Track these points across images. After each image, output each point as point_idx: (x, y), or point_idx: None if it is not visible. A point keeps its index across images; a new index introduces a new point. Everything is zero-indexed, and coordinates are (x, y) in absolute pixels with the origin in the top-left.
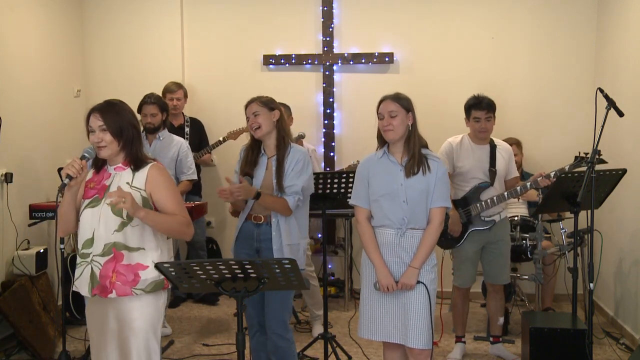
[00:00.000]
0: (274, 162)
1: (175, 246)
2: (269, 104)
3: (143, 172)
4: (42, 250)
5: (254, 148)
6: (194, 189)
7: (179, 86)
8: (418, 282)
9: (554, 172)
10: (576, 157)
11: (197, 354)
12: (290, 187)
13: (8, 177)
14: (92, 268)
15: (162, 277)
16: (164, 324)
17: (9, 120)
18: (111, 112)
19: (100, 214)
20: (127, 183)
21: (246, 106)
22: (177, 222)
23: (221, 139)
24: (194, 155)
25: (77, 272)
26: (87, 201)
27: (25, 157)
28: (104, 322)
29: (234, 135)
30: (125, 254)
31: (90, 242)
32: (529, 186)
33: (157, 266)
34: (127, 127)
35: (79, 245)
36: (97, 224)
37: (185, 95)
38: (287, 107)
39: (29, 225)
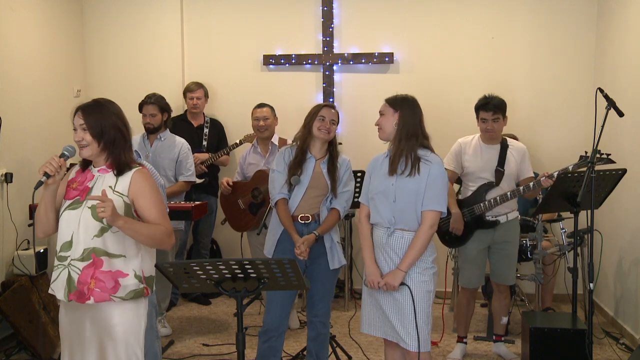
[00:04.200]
0: (322, 164)
1: (182, 243)
2: (339, 117)
3: (126, 177)
4: (42, 250)
5: (304, 149)
6: (210, 190)
7: (199, 85)
8: (403, 284)
9: (557, 172)
10: (581, 157)
11: (197, 354)
12: (345, 193)
13: (8, 177)
14: (69, 272)
15: (142, 285)
16: (164, 324)
17: (9, 120)
18: (94, 112)
19: (80, 217)
20: (110, 187)
21: (322, 107)
22: (158, 232)
23: (238, 141)
24: (211, 155)
25: (54, 275)
26: (68, 202)
27: (25, 157)
28: (81, 328)
29: (250, 138)
30: (105, 260)
31: (68, 245)
32: (532, 186)
33: (158, 266)
34: (109, 129)
35: (57, 248)
36: (77, 227)
37: (206, 95)
38: (272, 108)
39: (29, 225)
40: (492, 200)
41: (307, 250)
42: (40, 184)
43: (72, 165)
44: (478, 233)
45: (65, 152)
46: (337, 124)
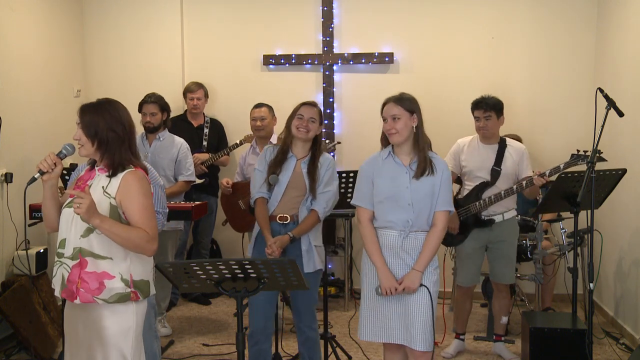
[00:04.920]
0: (303, 164)
1: (182, 243)
2: (321, 117)
3: (117, 179)
4: (42, 250)
5: (285, 149)
6: (210, 190)
7: (200, 86)
8: (421, 285)
9: (548, 171)
10: (572, 155)
11: (197, 354)
12: (325, 193)
13: (8, 177)
14: (63, 270)
15: (129, 290)
16: (164, 323)
17: (9, 120)
18: (90, 112)
19: (73, 216)
20: (102, 187)
21: (301, 105)
22: (136, 236)
23: (238, 142)
24: (212, 156)
25: (54, 271)
26: (69, 199)
27: (25, 157)
28: (75, 327)
29: (250, 138)
30: (91, 261)
31: (64, 242)
32: (524, 185)
33: (158, 266)
34: (103, 129)
35: (57, 244)
36: (70, 226)
37: (206, 95)
38: (270, 108)
39: (29, 225)
40: (486, 199)
41: (278, 250)
42: (32, 180)
43: (71, 164)
44: (474, 232)
45: (63, 151)
46: (320, 122)
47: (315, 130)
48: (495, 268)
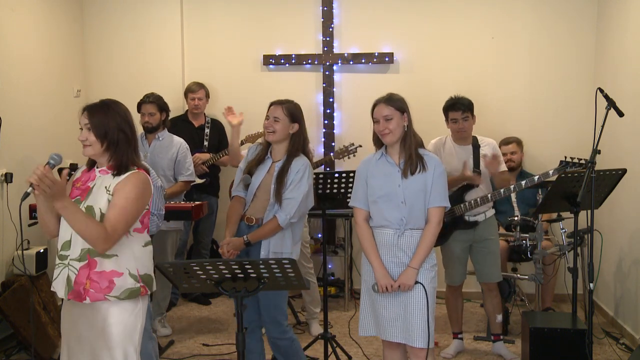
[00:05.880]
0: (277, 167)
1: (182, 243)
2: (292, 114)
3: (120, 179)
4: (42, 250)
5: (265, 149)
6: (211, 190)
7: (201, 86)
8: (416, 282)
9: (538, 177)
10: (561, 162)
11: (197, 354)
12: (289, 200)
13: (8, 177)
14: (68, 271)
15: (139, 284)
16: (164, 323)
17: (9, 120)
18: (99, 112)
19: None
20: (106, 187)
21: (270, 105)
22: (93, 229)
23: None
24: (213, 155)
25: (55, 273)
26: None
27: (25, 157)
28: (79, 326)
29: (252, 138)
30: (99, 261)
31: (68, 244)
32: (512, 188)
33: (158, 266)
34: (113, 130)
35: (58, 246)
36: None
37: (207, 95)
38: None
39: (29, 225)
40: (472, 201)
41: (230, 252)
42: (26, 195)
43: (71, 164)
44: (457, 233)
45: (51, 161)
46: (290, 120)
47: (282, 129)
48: (483, 268)
